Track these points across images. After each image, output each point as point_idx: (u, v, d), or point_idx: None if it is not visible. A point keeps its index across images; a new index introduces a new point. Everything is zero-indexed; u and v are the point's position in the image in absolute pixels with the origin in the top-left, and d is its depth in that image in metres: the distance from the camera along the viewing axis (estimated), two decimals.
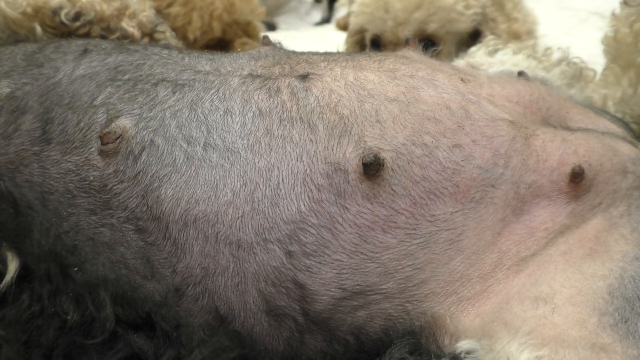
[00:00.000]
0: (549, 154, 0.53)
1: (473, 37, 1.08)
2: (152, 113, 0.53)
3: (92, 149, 0.51)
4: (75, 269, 0.49)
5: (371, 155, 0.48)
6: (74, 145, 0.52)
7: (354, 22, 1.18)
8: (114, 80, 0.56)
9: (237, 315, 0.49)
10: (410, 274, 0.49)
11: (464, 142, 0.51)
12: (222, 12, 1.13)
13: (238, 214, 0.49)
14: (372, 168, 0.48)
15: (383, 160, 0.49)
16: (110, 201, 0.50)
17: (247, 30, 1.19)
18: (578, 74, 0.69)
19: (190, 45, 1.12)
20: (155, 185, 0.50)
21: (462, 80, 0.57)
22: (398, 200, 0.49)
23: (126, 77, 0.56)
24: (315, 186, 0.49)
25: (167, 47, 0.63)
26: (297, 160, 0.50)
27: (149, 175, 0.50)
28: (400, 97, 0.53)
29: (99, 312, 0.48)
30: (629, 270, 0.49)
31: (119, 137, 0.51)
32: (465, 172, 0.50)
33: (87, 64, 0.58)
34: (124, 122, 0.52)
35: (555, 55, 0.72)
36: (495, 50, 0.72)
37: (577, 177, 0.52)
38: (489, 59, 0.69)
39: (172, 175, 0.50)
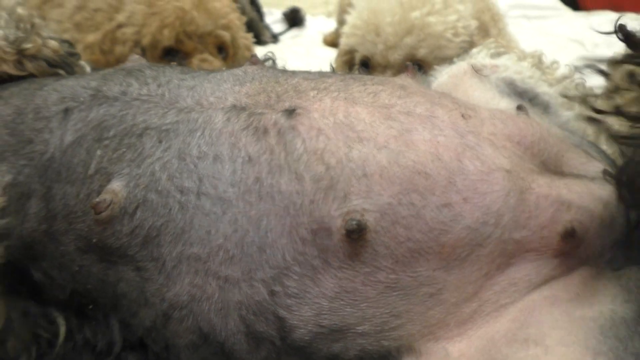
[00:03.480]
0: (542, 210, 0.48)
1: None
2: (141, 169, 0.49)
3: (92, 217, 0.49)
4: (90, 307, 0.51)
5: (354, 222, 0.44)
6: (77, 216, 0.50)
7: (344, 43, 1.13)
8: (100, 140, 0.51)
9: (218, 334, 0.49)
10: (387, 319, 0.47)
11: (454, 200, 0.46)
12: (174, 20, 1.04)
13: (228, 255, 0.47)
14: (354, 233, 0.44)
15: (366, 224, 0.45)
16: (113, 254, 0.49)
17: (217, 43, 1.09)
18: (581, 96, 0.62)
19: (148, 51, 1.03)
20: (154, 235, 0.48)
21: (462, 116, 0.51)
22: (380, 259, 0.46)
23: (111, 133, 0.52)
24: (300, 239, 0.46)
25: (144, 80, 0.55)
26: (284, 211, 0.47)
27: (146, 228, 0.48)
28: (390, 144, 0.48)
29: (111, 336, 0.50)
30: (619, 312, 0.46)
31: (109, 205, 0.48)
32: (453, 233, 0.46)
33: (73, 127, 0.53)
34: (114, 186, 0.49)
35: (560, 71, 0.65)
36: (499, 54, 0.66)
37: (568, 237, 0.47)
38: (492, 61, 0.62)
39: (169, 224, 0.48)
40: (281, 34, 2.27)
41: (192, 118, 0.51)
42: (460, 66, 0.65)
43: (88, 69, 0.71)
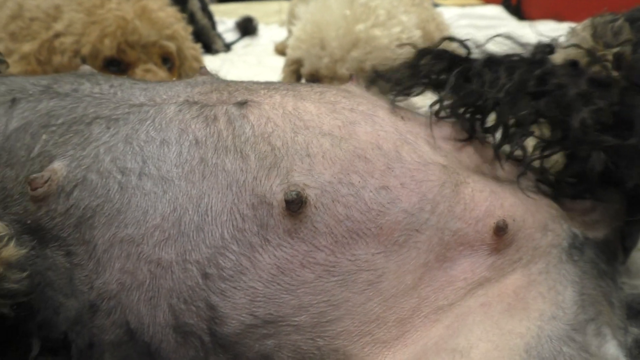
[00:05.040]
0: (477, 203, 0.49)
1: None
2: (85, 152, 0.50)
3: (28, 196, 0.49)
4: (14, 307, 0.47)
5: (294, 192, 0.44)
6: (14, 199, 0.50)
7: (290, 54, 1.12)
8: (47, 126, 0.52)
9: (146, 329, 0.47)
10: (325, 309, 0.46)
11: (392, 184, 0.48)
12: (115, 29, 1.02)
13: (164, 236, 0.46)
14: (294, 205, 0.45)
15: (306, 197, 0.45)
16: (45, 237, 0.48)
17: (162, 53, 1.07)
18: None
19: (88, 61, 1.00)
20: (89, 215, 0.47)
21: (402, 118, 0.54)
22: (319, 237, 0.46)
23: (60, 121, 0.52)
24: (240, 215, 0.46)
25: (96, 81, 0.57)
26: (226, 189, 0.47)
27: (82, 208, 0.48)
28: (334, 131, 0.50)
29: (27, 341, 0.47)
30: (546, 329, 0.47)
31: (47, 181, 0.48)
32: (390, 215, 0.47)
33: (19, 115, 0.54)
34: (55, 165, 0.49)
35: None
36: None
37: (500, 231, 0.48)
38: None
39: (105, 205, 0.48)
40: (233, 43, 2.24)
41: (143, 110, 0.52)
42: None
43: None
